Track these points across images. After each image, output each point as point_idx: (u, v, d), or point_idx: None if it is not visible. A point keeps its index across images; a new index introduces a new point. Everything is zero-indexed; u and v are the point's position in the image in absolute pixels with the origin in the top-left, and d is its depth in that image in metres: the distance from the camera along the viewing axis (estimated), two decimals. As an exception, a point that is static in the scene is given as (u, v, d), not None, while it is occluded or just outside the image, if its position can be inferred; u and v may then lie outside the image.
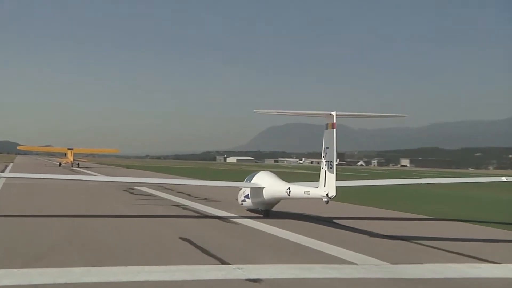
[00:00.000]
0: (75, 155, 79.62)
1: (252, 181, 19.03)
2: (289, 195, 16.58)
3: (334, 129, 13.89)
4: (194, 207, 21.58)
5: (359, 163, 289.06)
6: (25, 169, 59.65)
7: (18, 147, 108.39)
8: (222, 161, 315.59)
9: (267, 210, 18.91)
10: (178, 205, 22.19)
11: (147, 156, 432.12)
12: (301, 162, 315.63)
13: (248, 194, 19.27)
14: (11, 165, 75.93)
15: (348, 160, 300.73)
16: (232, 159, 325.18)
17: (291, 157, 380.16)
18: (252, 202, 19.12)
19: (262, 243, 13.34)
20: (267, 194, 18.05)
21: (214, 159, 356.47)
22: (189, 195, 27.08)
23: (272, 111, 16.23)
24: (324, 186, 14.19)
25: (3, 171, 45.08)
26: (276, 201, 18.44)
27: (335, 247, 12.89)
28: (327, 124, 14.24)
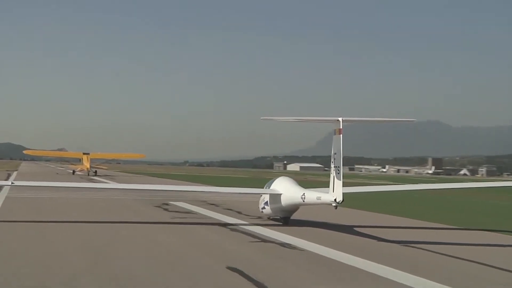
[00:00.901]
0: (92, 161, 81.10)
1: (271, 188, 22.87)
2: (304, 201, 20.55)
3: (341, 135, 17.79)
4: (245, 227, 21.82)
5: (462, 172, 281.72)
6: (33, 180, 60.54)
7: (24, 151, 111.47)
8: (282, 169, 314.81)
9: (286, 218, 22.71)
10: (224, 225, 22.49)
11: (186, 162, 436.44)
12: (384, 170, 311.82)
13: (267, 201, 23.03)
14: (14, 174, 76.27)
15: (447, 168, 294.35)
16: (294, 167, 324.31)
17: (371, 164, 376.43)
18: (271, 209, 22.97)
19: (330, 275, 13.34)
20: (284, 200, 21.86)
21: (271, 166, 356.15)
22: (239, 212, 27.53)
23: (280, 118, 20.46)
24: (333, 192, 17.98)
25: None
26: (294, 207, 22.22)
27: (429, 281, 12.71)
28: (334, 130, 18.16)
